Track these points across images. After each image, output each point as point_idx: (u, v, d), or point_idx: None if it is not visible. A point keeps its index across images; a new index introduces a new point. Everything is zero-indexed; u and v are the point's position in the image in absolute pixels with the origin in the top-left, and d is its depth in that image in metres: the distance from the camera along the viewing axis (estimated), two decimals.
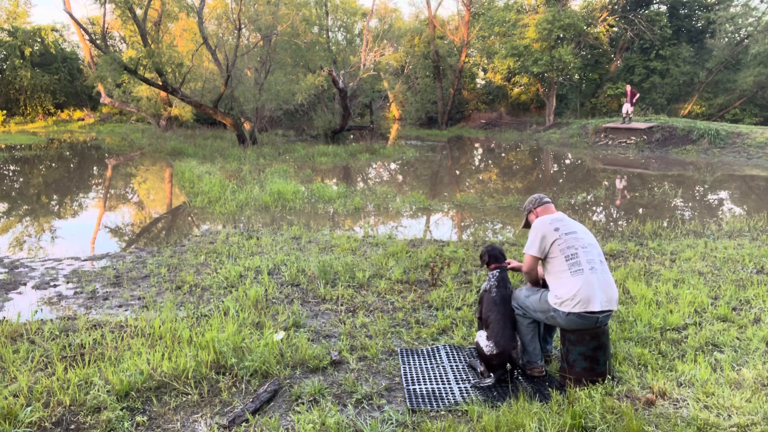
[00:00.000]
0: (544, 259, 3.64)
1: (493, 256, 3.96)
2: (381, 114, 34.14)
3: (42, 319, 4.75)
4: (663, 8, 30.37)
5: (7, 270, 6.40)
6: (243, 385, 3.59)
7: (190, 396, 3.45)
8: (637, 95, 23.28)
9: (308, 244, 7.53)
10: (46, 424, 3.14)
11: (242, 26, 20.48)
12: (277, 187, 11.11)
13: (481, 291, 3.95)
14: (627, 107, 22.92)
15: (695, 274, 5.98)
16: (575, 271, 3.48)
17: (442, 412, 3.31)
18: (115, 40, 37.01)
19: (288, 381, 3.66)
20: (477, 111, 38.58)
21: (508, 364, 3.64)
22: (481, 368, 3.73)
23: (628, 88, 23.03)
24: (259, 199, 10.51)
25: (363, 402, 3.41)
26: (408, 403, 3.39)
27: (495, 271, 3.89)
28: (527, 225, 3.97)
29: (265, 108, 22.56)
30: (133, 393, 3.43)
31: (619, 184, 14.59)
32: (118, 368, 3.65)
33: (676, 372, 3.67)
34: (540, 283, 3.83)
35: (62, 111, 38.22)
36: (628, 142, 22.46)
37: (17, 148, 21.79)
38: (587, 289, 3.43)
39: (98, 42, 20.33)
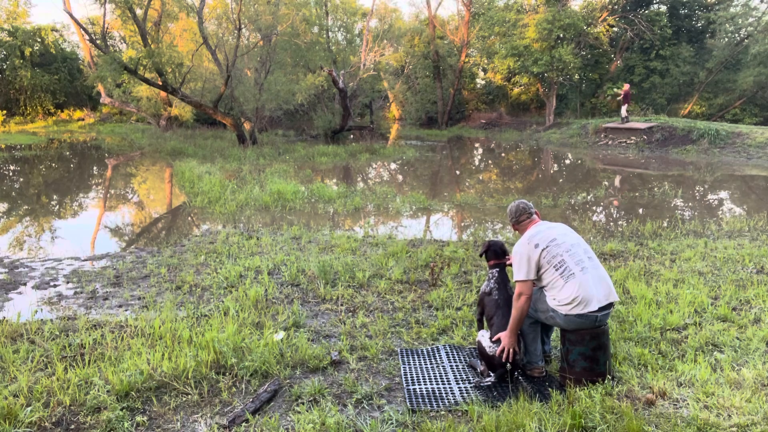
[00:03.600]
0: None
1: (494, 252, 3.96)
2: (381, 114, 34.16)
3: (42, 319, 4.75)
4: (663, 8, 30.36)
5: (7, 270, 6.40)
6: (243, 385, 3.59)
7: (190, 396, 3.45)
8: (628, 97, 23.25)
9: (308, 244, 7.53)
10: (46, 424, 3.14)
11: (242, 26, 20.48)
12: (277, 187, 11.11)
13: (480, 292, 3.95)
14: (624, 107, 22.94)
15: (695, 274, 5.98)
16: (568, 277, 3.50)
17: (442, 412, 3.31)
18: (115, 40, 37.00)
19: (288, 381, 3.66)
20: (477, 111, 38.59)
21: (509, 364, 3.64)
22: (481, 368, 3.74)
23: (626, 87, 23.00)
24: (259, 199, 10.51)
25: (363, 402, 3.41)
26: (408, 403, 3.39)
27: (494, 270, 3.89)
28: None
29: (265, 108, 22.55)
30: (133, 393, 3.43)
31: (619, 184, 14.59)
32: (118, 368, 3.64)
33: (676, 372, 3.67)
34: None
35: (62, 111, 38.23)
36: (628, 142, 22.46)
37: (17, 148, 21.80)
38: (584, 291, 3.45)
39: (98, 42, 20.33)
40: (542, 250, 3.56)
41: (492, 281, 3.85)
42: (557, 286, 3.52)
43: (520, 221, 3.87)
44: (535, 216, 3.88)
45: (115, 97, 30.16)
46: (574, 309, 3.45)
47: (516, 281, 3.62)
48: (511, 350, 3.53)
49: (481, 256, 4.06)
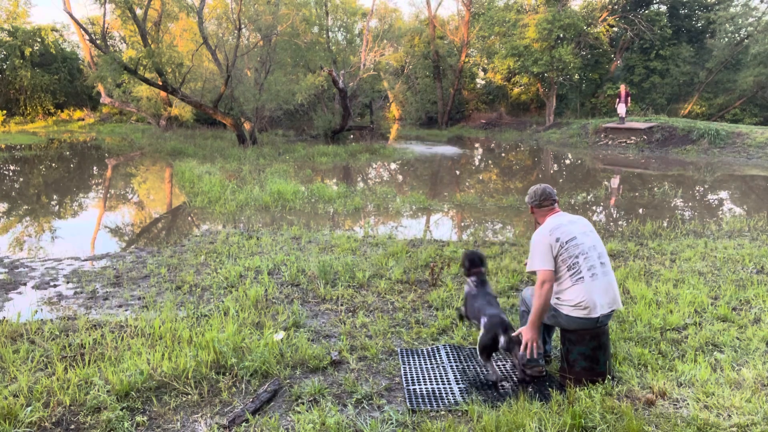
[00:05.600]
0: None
1: (472, 261, 4.12)
2: (381, 114, 34.14)
3: (42, 319, 4.75)
4: (663, 8, 30.36)
5: (7, 270, 6.40)
6: (243, 385, 3.59)
7: (190, 396, 3.45)
8: (629, 96, 23.26)
9: (308, 244, 7.53)
10: (46, 424, 3.14)
11: (242, 26, 20.47)
12: (277, 187, 11.11)
13: (466, 293, 4.12)
14: (622, 108, 22.93)
15: (695, 274, 5.98)
16: (576, 280, 3.47)
17: (442, 412, 3.31)
18: (115, 40, 37.00)
19: (288, 381, 3.66)
20: (477, 111, 38.59)
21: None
22: (488, 369, 3.71)
23: (623, 87, 23.02)
24: (259, 199, 10.51)
25: (363, 402, 3.41)
26: (408, 403, 3.39)
27: (472, 278, 4.07)
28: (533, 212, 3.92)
29: (265, 108, 22.55)
30: (133, 393, 3.43)
31: (619, 184, 14.59)
32: (118, 368, 3.64)
33: (676, 372, 3.67)
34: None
35: (62, 111, 38.21)
36: (628, 142, 22.46)
37: (17, 148, 21.79)
38: (588, 297, 3.44)
39: (98, 42, 20.33)
40: (560, 246, 3.52)
41: (472, 284, 4.05)
42: (564, 286, 3.52)
43: (542, 205, 3.77)
44: (555, 205, 3.79)
45: (115, 97, 30.15)
46: (576, 311, 3.46)
47: (537, 270, 3.56)
48: (533, 344, 3.47)
49: (461, 267, 4.10)
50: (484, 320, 3.71)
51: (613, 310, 3.56)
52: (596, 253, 3.57)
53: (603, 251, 3.63)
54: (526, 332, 3.48)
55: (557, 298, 3.55)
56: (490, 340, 3.61)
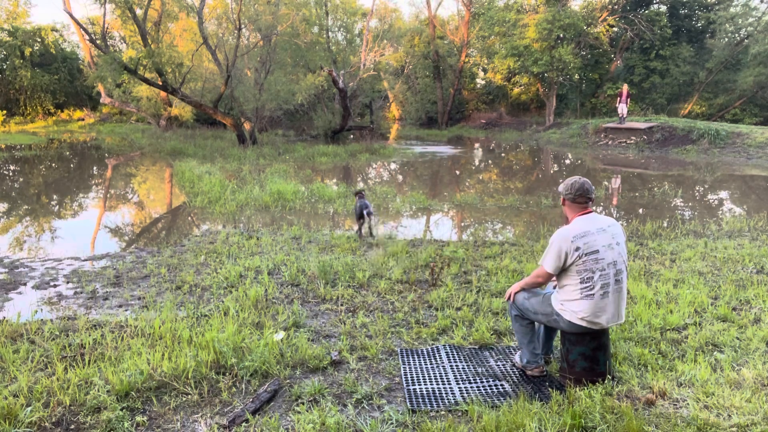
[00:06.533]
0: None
1: (357, 193, 8.07)
2: (381, 114, 34.12)
3: (42, 319, 4.75)
4: (663, 8, 30.38)
5: (7, 270, 6.40)
6: (243, 385, 3.59)
7: (190, 396, 3.45)
8: (629, 97, 23.30)
9: (308, 244, 7.53)
10: (46, 424, 3.14)
11: (242, 26, 20.48)
12: (277, 187, 11.11)
13: (357, 209, 7.73)
14: (623, 108, 22.92)
15: (695, 274, 5.98)
16: (585, 295, 3.42)
17: (442, 412, 3.31)
18: (115, 40, 37.02)
19: (288, 381, 3.66)
20: (477, 111, 38.62)
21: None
22: (359, 226, 7.84)
23: (624, 87, 23.04)
24: (259, 199, 10.51)
25: (363, 402, 3.41)
26: (408, 403, 3.39)
27: (357, 198, 7.89)
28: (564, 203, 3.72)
29: (265, 108, 22.56)
30: (133, 393, 3.43)
31: (619, 184, 14.59)
32: (118, 368, 3.64)
33: (676, 372, 3.67)
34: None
35: (62, 111, 38.24)
36: (628, 142, 22.46)
37: (17, 148, 21.80)
38: (593, 312, 3.42)
39: (98, 42, 20.34)
40: (578, 257, 3.40)
41: (358, 198, 7.88)
42: (572, 296, 3.46)
43: (576, 201, 3.57)
44: (590, 204, 3.59)
45: (115, 97, 30.17)
46: (578, 321, 3.46)
47: (542, 266, 3.53)
48: (509, 294, 3.83)
49: (354, 195, 8.29)
50: (359, 205, 7.65)
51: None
52: (614, 270, 3.44)
53: (623, 267, 3.50)
54: (513, 287, 3.82)
55: (561, 305, 3.51)
56: (359, 210, 7.65)
